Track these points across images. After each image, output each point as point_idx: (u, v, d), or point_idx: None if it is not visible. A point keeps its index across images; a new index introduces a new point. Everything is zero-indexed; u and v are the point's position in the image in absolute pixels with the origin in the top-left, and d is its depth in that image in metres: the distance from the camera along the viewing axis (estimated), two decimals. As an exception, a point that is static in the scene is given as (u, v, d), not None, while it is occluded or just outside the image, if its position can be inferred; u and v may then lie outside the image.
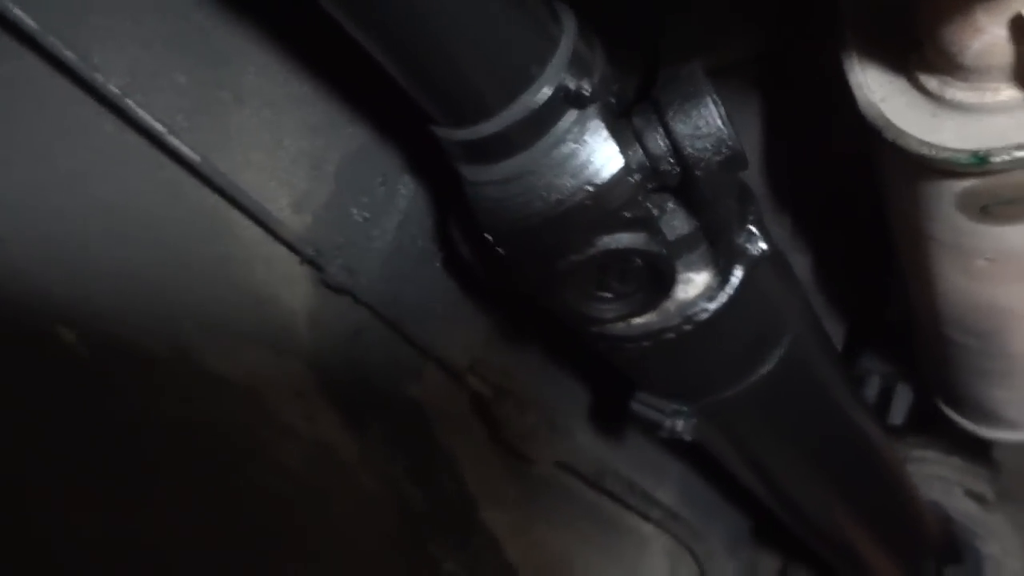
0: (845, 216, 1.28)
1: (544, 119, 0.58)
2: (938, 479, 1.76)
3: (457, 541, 0.81)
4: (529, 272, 0.64)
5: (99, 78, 0.59)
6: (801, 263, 1.30)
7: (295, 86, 0.73)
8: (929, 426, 1.58)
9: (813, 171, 1.21)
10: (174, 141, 0.63)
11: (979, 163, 0.71)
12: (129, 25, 0.62)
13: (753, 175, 1.14)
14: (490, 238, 0.63)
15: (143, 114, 0.61)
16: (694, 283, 0.71)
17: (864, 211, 1.23)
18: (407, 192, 0.79)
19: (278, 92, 0.72)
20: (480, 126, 0.59)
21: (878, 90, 0.79)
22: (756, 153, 1.13)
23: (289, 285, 0.71)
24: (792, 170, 1.18)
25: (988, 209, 0.78)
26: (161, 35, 0.64)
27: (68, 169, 0.58)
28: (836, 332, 1.52)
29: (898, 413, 1.50)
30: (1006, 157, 0.70)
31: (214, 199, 0.68)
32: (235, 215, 0.69)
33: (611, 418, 1.02)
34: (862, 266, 1.37)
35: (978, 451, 1.68)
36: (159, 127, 0.62)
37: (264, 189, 0.70)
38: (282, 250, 0.71)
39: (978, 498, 1.80)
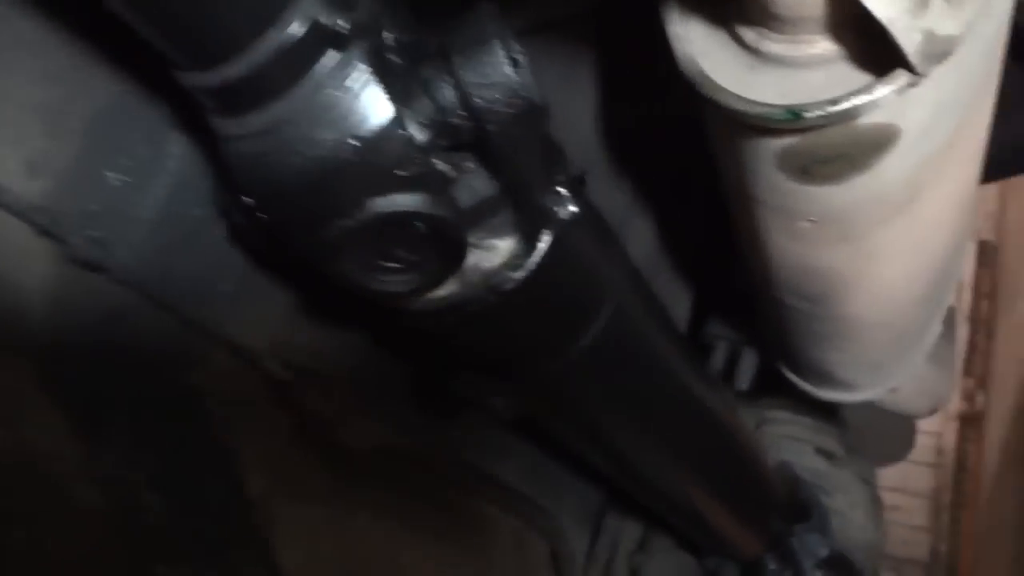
0: (688, 181, 1.26)
1: (298, 60, 0.50)
2: (790, 439, 1.82)
3: (213, 553, 0.72)
4: (298, 241, 0.56)
5: None
6: (644, 229, 1.27)
7: (26, 25, 0.61)
8: (779, 388, 1.61)
9: (655, 133, 1.18)
10: None
11: (793, 119, 0.68)
12: None
13: (589, 137, 1.09)
14: (250, 202, 0.55)
15: None
16: (498, 250, 0.64)
17: (707, 176, 1.22)
18: (178, 151, 0.68)
19: (3, 33, 0.60)
20: (225, 68, 0.50)
21: (699, 44, 0.75)
22: (592, 114, 1.08)
23: (21, 262, 0.60)
24: (632, 133, 1.14)
25: (808, 169, 0.76)
26: None
27: None
28: (684, 298, 1.51)
29: (744, 378, 1.52)
30: (820, 112, 0.67)
31: (-87, 160, 0.56)
32: (-53, 179, 0.57)
33: (439, 397, 0.96)
34: (708, 231, 1.35)
35: (826, 410, 1.73)
36: None
37: (-16, 148, 0.59)
38: (12, 221, 0.60)
39: (828, 455, 1.86)
